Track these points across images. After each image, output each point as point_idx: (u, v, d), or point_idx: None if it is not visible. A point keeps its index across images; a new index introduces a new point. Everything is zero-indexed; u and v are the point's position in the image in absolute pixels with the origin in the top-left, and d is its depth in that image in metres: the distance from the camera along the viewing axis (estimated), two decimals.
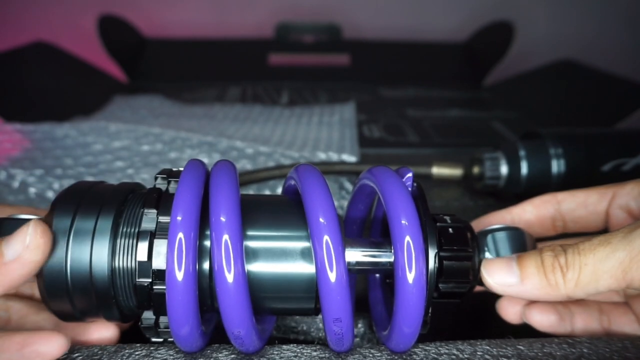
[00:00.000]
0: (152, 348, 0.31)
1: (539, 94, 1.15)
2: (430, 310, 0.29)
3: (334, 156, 0.72)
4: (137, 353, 0.30)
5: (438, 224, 0.31)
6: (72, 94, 1.08)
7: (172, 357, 0.30)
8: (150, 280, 0.28)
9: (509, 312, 0.36)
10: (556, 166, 0.56)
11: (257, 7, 1.40)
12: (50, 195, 0.60)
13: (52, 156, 0.71)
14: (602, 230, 0.38)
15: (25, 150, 0.73)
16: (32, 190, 0.61)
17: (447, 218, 0.32)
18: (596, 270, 0.27)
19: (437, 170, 0.64)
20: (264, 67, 1.35)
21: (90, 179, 0.64)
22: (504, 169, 0.58)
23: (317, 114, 1.01)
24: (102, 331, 0.33)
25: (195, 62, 1.37)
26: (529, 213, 0.39)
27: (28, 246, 0.27)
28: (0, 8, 1.36)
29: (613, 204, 0.36)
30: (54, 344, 0.29)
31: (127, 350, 0.30)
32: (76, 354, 0.30)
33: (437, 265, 0.30)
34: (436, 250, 0.30)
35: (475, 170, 0.61)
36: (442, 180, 0.64)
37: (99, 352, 0.30)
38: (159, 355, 0.30)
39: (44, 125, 0.81)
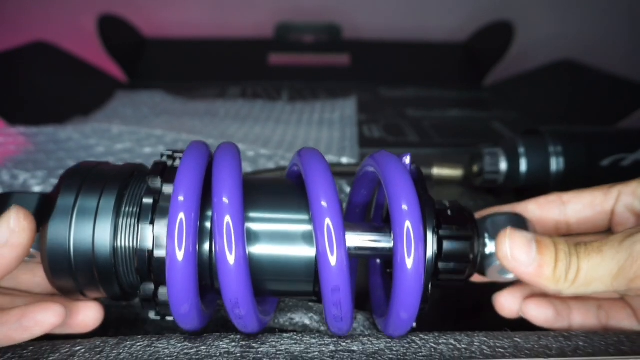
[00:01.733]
0: (153, 339, 0.31)
1: (539, 94, 1.16)
2: (429, 292, 0.29)
3: (334, 159, 0.73)
4: (138, 344, 0.30)
5: (437, 206, 0.31)
6: (72, 94, 1.08)
7: (173, 346, 0.30)
8: (150, 247, 0.28)
9: (506, 306, 0.36)
10: (555, 163, 0.57)
11: (257, 7, 1.40)
12: None
13: (55, 158, 0.72)
14: (606, 230, 0.38)
15: (29, 153, 0.74)
16: (35, 190, 0.61)
17: (446, 202, 0.33)
18: (589, 275, 0.29)
19: (437, 171, 0.64)
20: (264, 67, 1.35)
21: None
22: (503, 165, 0.58)
23: (318, 110, 1.01)
24: (87, 312, 0.33)
25: (195, 62, 1.37)
26: (532, 213, 0.38)
27: (14, 230, 0.28)
28: (0, 8, 1.36)
29: (618, 203, 0.36)
30: (51, 312, 0.30)
31: (128, 342, 0.31)
32: (78, 347, 0.30)
33: (436, 247, 0.30)
34: (434, 229, 0.30)
35: (475, 166, 0.61)
36: (442, 181, 0.64)
37: (101, 344, 0.31)
38: (161, 345, 0.30)
39: (48, 128, 0.81)
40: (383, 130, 0.92)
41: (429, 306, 0.30)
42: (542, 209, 0.38)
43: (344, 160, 0.72)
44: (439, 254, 0.30)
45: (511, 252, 0.30)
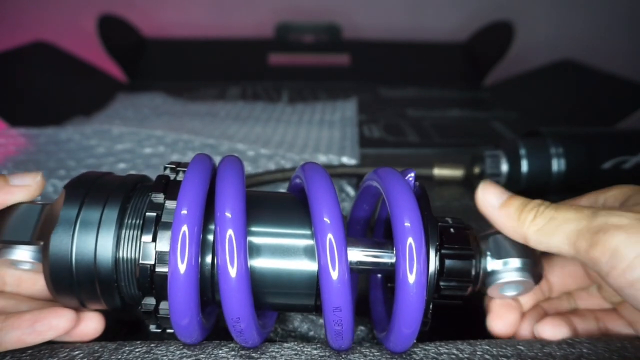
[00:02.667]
0: (152, 345, 0.31)
1: (539, 94, 1.15)
2: (430, 309, 0.29)
3: (334, 159, 0.72)
4: (137, 350, 0.30)
5: (440, 223, 0.32)
6: (72, 94, 1.08)
7: (172, 353, 0.30)
8: (152, 262, 0.28)
9: (498, 327, 0.35)
10: (556, 165, 0.57)
11: (257, 7, 1.40)
12: (54, 197, 0.60)
13: (55, 159, 0.72)
14: None
15: (29, 153, 0.74)
16: None
17: (449, 219, 0.33)
18: (557, 226, 0.29)
19: (438, 172, 0.64)
20: (264, 67, 1.35)
21: None
22: (504, 167, 0.58)
23: (318, 111, 1.01)
24: (88, 322, 0.33)
25: (195, 62, 1.37)
26: None
27: (36, 180, 0.33)
28: (0, 8, 1.36)
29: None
30: (65, 317, 0.30)
31: (127, 347, 0.30)
32: (77, 352, 0.30)
33: (438, 265, 0.30)
34: (437, 248, 0.30)
35: (476, 168, 0.61)
36: (443, 181, 0.64)
37: (100, 349, 0.30)
38: (159, 352, 0.30)
39: (48, 130, 0.81)
40: (383, 130, 0.92)
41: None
42: None
43: (345, 159, 0.72)
44: (441, 272, 0.30)
45: (482, 195, 0.32)
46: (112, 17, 1.27)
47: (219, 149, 0.75)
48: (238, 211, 0.27)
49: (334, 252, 0.27)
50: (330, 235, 0.27)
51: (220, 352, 0.30)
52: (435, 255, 0.30)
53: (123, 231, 0.30)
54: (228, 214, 0.27)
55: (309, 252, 0.30)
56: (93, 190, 0.31)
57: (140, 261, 0.28)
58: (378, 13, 1.43)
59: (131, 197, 0.31)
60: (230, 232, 0.27)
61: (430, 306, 0.30)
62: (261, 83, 1.27)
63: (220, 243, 0.27)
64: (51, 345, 0.31)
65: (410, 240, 0.28)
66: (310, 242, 0.30)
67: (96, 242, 0.29)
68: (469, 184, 0.63)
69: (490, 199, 0.32)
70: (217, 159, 0.72)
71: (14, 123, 0.84)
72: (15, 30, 1.33)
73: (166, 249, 0.27)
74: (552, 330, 0.34)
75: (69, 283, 0.29)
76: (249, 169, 0.68)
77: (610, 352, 0.31)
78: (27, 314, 0.30)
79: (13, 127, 0.83)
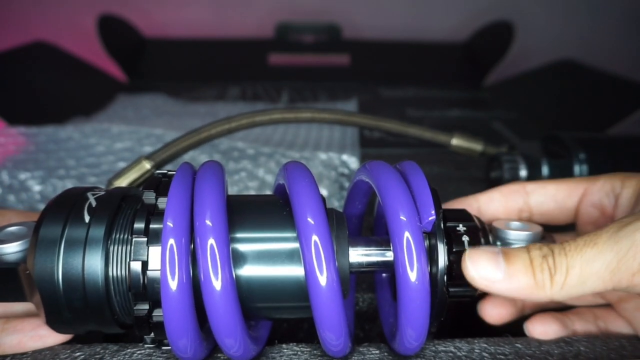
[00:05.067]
0: (154, 346, 0.31)
1: (539, 94, 1.15)
2: (444, 309, 0.28)
3: (334, 157, 0.72)
4: (139, 352, 0.30)
5: (448, 223, 0.29)
6: (72, 94, 1.08)
7: (173, 357, 0.30)
8: (147, 308, 0.26)
9: (492, 314, 0.35)
10: (579, 171, 0.54)
11: (257, 7, 1.40)
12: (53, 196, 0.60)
13: (55, 158, 0.72)
14: (570, 224, 0.37)
15: (29, 152, 0.74)
16: (35, 190, 0.61)
17: (457, 211, 0.31)
18: (583, 272, 0.26)
19: (456, 142, 0.62)
20: (264, 67, 1.35)
21: (92, 179, 0.65)
22: (523, 172, 0.56)
23: None
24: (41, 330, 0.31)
25: (195, 62, 1.37)
26: (497, 202, 0.37)
27: None
28: (0, 8, 1.36)
29: (584, 201, 0.35)
30: None
31: (129, 349, 0.31)
32: (78, 353, 0.30)
33: (447, 262, 0.28)
34: (445, 248, 0.28)
35: (493, 173, 0.59)
36: (459, 152, 0.63)
37: (101, 350, 0.31)
38: (162, 356, 0.30)
39: (48, 128, 0.81)
40: (383, 131, 0.92)
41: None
42: (506, 199, 0.37)
43: (345, 157, 0.72)
44: (450, 275, 0.28)
45: (477, 273, 0.27)
46: (112, 17, 1.27)
47: (218, 147, 0.75)
48: (218, 218, 0.26)
49: (321, 255, 0.25)
50: (315, 237, 0.25)
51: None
52: (445, 255, 0.28)
53: (111, 252, 0.27)
54: (208, 222, 0.25)
55: (297, 255, 0.28)
56: (76, 211, 0.28)
57: (134, 308, 0.26)
58: (378, 13, 1.43)
59: (116, 218, 0.29)
60: (211, 241, 0.25)
61: (444, 305, 0.28)
62: (261, 83, 1.27)
63: (202, 254, 0.25)
64: (51, 346, 0.31)
65: (407, 234, 0.26)
66: (298, 245, 0.28)
67: (83, 266, 0.27)
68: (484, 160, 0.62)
69: (486, 273, 0.27)
70: (216, 157, 0.72)
71: (13, 123, 0.84)
72: (15, 30, 1.33)
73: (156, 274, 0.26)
74: (542, 328, 0.33)
75: (59, 311, 0.27)
76: (249, 167, 0.69)
77: (608, 351, 0.31)
78: (31, 318, 0.30)
79: (12, 126, 0.83)
